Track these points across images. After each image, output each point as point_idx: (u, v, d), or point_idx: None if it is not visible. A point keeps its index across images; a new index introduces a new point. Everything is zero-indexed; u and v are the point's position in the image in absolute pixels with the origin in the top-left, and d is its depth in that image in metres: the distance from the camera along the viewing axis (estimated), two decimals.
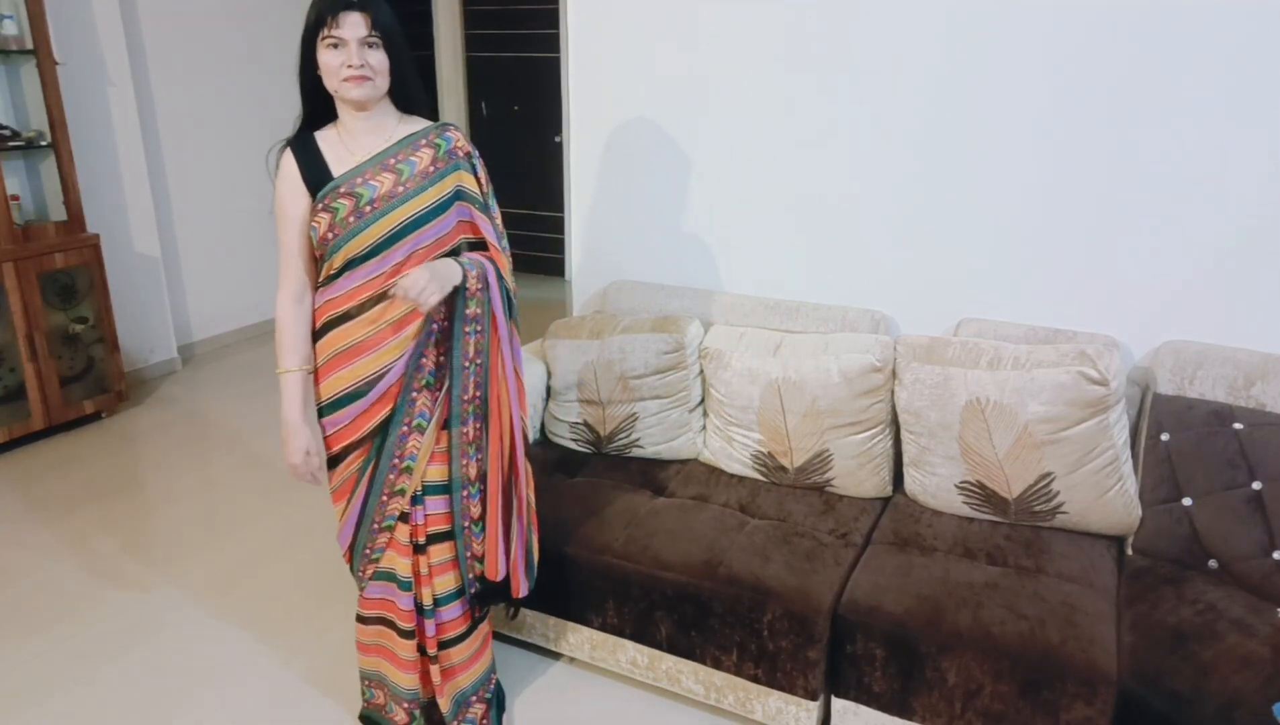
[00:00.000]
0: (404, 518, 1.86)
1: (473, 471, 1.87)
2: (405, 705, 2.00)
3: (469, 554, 1.91)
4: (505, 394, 1.86)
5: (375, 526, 1.86)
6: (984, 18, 2.23)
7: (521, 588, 1.97)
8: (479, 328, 1.80)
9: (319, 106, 1.78)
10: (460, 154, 1.81)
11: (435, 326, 1.80)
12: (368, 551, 1.89)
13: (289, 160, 1.76)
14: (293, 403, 1.80)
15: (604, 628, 2.17)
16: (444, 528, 1.89)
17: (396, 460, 1.82)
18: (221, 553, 2.92)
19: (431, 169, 1.76)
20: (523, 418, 1.92)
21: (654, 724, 2.16)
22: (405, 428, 1.81)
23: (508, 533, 1.92)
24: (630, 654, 2.18)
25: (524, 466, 1.92)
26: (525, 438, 1.94)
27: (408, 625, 1.90)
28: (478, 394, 1.83)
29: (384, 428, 1.80)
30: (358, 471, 1.83)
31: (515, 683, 2.30)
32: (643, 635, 2.11)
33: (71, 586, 2.73)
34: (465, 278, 1.75)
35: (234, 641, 2.47)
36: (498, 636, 2.41)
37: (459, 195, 1.80)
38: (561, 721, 2.18)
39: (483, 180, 1.85)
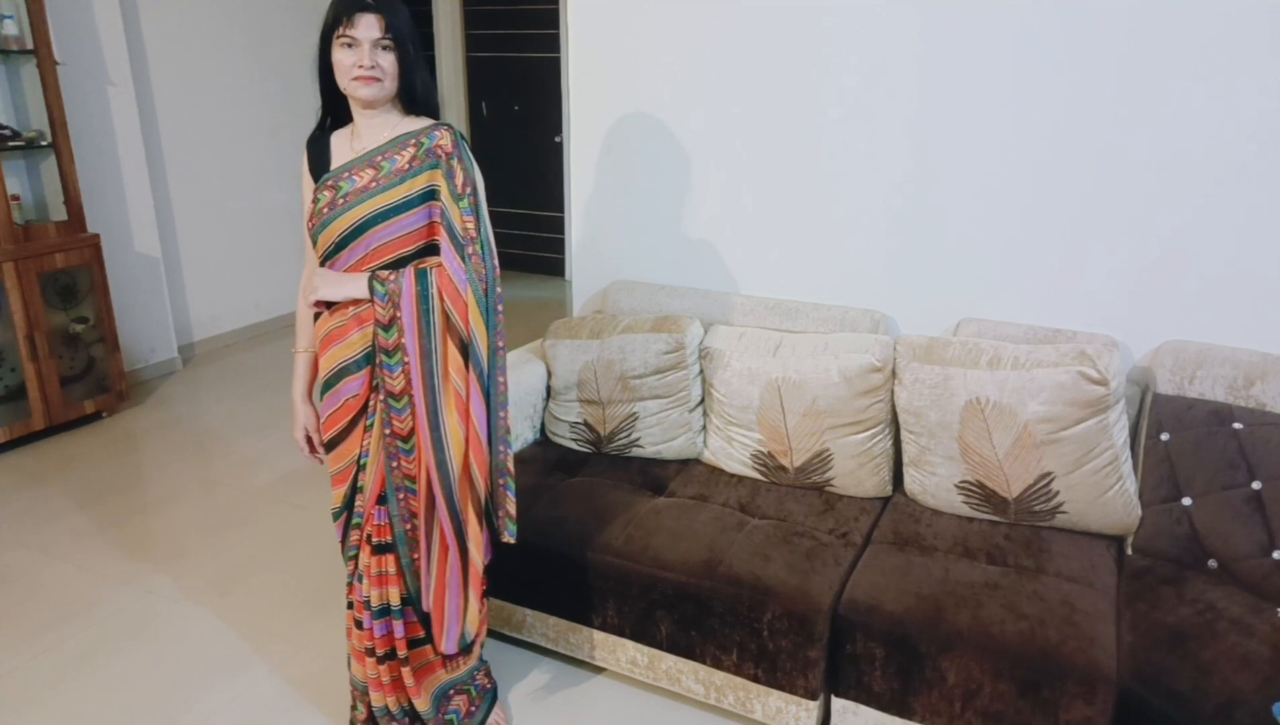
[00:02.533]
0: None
1: (414, 470, 1.81)
2: (353, 691, 2.03)
3: (414, 556, 1.86)
4: (424, 441, 1.76)
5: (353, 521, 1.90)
6: (980, 17, 2.23)
7: (444, 641, 1.90)
8: (404, 359, 1.75)
9: (337, 104, 1.83)
10: (440, 153, 1.76)
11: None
12: (348, 546, 1.92)
13: (305, 155, 1.87)
14: (297, 381, 1.98)
15: (604, 627, 2.17)
16: (389, 538, 1.86)
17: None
18: (221, 553, 2.92)
19: (407, 166, 1.77)
20: (480, 480, 1.79)
21: (654, 724, 2.17)
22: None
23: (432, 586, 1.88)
24: (630, 654, 2.18)
25: (467, 528, 1.82)
26: (480, 499, 1.81)
27: (359, 615, 1.91)
28: (408, 389, 1.77)
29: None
30: (354, 462, 1.85)
31: (515, 683, 2.30)
32: (643, 635, 2.12)
33: (71, 586, 2.73)
34: (373, 302, 1.73)
35: (234, 642, 2.47)
36: (498, 636, 2.41)
37: (431, 194, 1.77)
38: (561, 721, 2.18)
39: (459, 181, 1.76)
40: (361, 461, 1.84)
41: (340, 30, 1.69)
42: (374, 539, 1.86)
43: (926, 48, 2.31)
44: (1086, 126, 2.19)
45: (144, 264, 4.44)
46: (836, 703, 1.99)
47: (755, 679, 2.00)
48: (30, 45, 3.54)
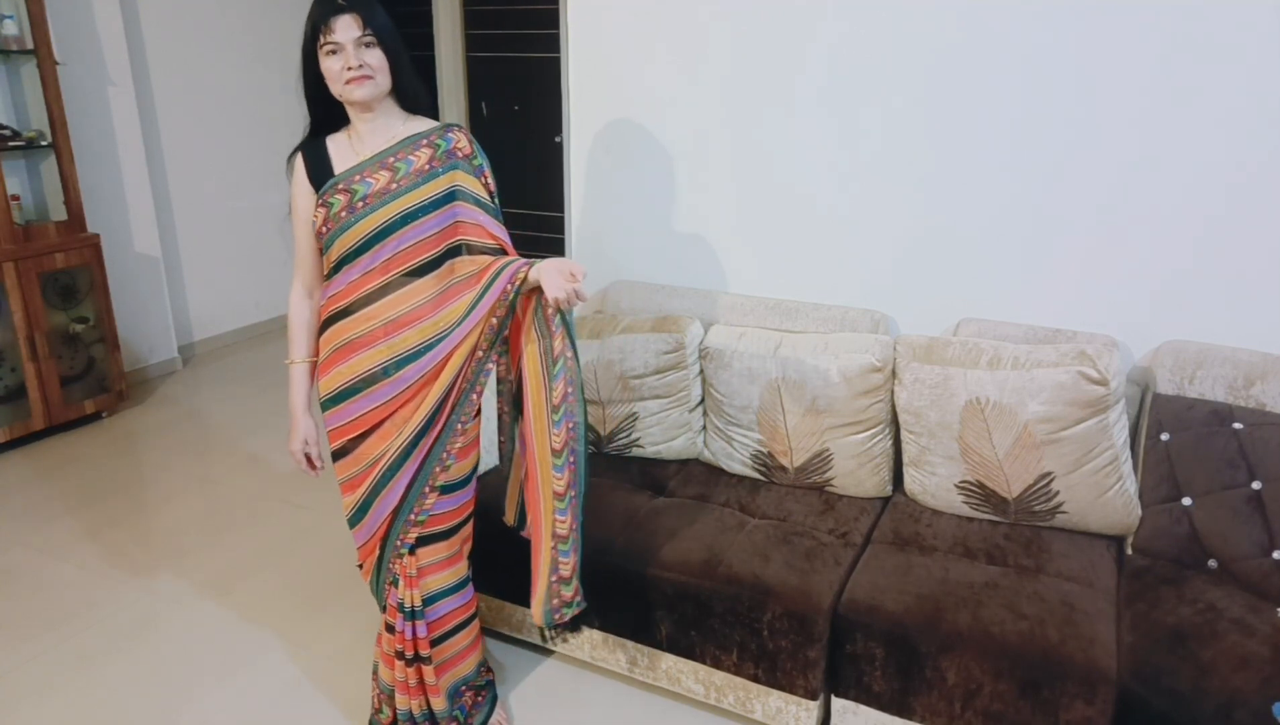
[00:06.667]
0: None
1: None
2: (378, 694, 2.03)
3: (555, 577, 1.88)
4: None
5: (411, 519, 1.85)
6: (981, 19, 2.23)
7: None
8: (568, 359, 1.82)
9: (327, 114, 1.82)
10: (459, 155, 1.82)
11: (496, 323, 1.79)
12: (392, 565, 1.89)
13: (299, 161, 1.83)
14: (296, 392, 1.94)
15: (604, 628, 2.17)
16: (442, 527, 1.89)
17: (445, 455, 1.84)
18: (222, 553, 2.92)
19: (427, 167, 1.78)
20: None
21: (654, 724, 2.17)
22: (459, 425, 1.84)
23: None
24: (630, 654, 2.18)
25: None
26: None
27: (392, 620, 1.92)
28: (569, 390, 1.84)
29: (426, 426, 1.80)
30: (375, 466, 1.82)
31: (515, 683, 2.30)
32: (643, 635, 2.12)
33: (72, 586, 2.73)
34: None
35: (235, 642, 2.47)
36: (497, 635, 2.41)
37: (455, 195, 1.80)
38: (561, 721, 2.18)
39: (489, 183, 1.84)
40: (396, 460, 1.80)
41: (321, 39, 1.69)
42: (419, 534, 1.86)
43: (930, 47, 2.31)
44: (1087, 126, 2.18)
45: (144, 264, 4.44)
46: (836, 703, 1.99)
47: (755, 679, 2.00)
48: (30, 45, 3.54)
